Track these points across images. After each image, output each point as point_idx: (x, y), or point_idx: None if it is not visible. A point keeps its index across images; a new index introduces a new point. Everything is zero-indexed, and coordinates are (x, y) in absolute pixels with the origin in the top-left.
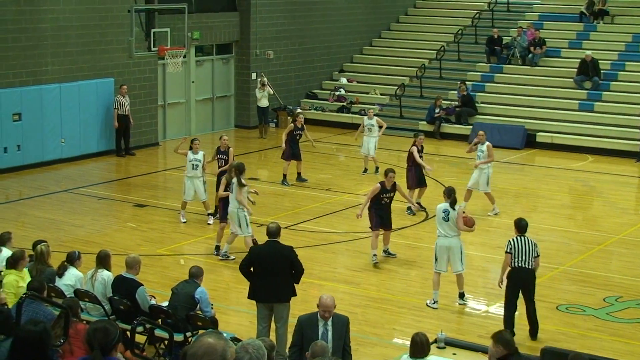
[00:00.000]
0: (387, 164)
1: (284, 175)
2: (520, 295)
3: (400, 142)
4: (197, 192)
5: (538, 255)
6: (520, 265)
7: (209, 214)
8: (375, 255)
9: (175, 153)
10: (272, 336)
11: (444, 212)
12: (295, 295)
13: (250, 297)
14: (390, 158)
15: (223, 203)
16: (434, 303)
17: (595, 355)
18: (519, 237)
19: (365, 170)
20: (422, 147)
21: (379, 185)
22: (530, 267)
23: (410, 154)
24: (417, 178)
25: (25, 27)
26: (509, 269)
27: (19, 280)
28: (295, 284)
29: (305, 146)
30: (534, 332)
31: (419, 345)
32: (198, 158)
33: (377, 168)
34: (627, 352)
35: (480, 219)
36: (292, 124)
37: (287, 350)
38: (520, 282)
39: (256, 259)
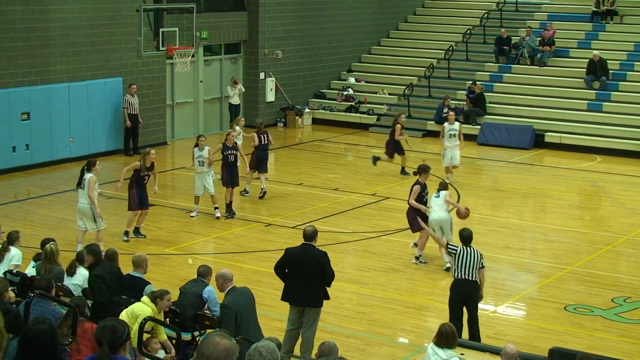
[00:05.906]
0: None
1: (402, 168)
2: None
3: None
4: (207, 186)
5: (483, 267)
6: (463, 277)
7: (215, 208)
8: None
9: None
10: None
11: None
12: (327, 299)
13: (283, 298)
14: (398, 158)
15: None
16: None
17: (603, 355)
18: (464, 247)
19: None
20: None
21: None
22: (473, 279)
23: None
24: None
25: (34, 27)
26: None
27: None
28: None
29: (314, 146)
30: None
31: (444, 336)
32: (204, 154)
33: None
34: (636, 352)
35: (487, 220)
36: (399, 124)
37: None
38: (464, 295)
39: (290, 261)
